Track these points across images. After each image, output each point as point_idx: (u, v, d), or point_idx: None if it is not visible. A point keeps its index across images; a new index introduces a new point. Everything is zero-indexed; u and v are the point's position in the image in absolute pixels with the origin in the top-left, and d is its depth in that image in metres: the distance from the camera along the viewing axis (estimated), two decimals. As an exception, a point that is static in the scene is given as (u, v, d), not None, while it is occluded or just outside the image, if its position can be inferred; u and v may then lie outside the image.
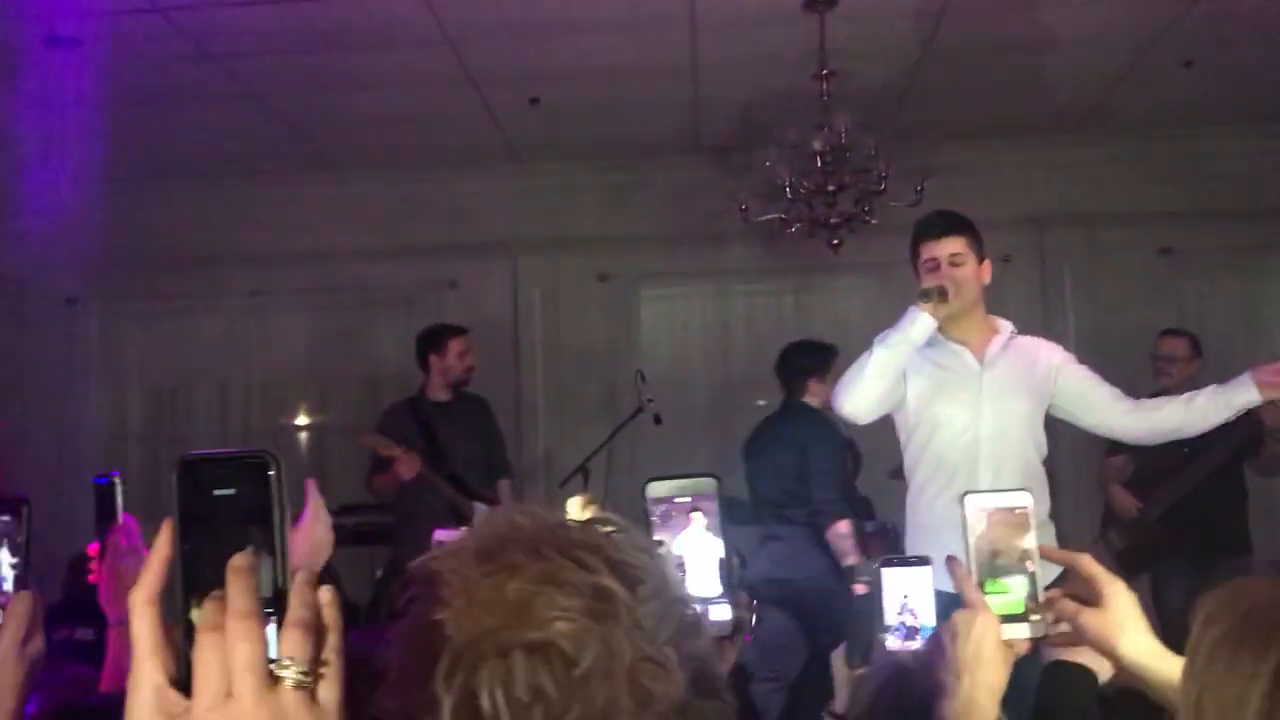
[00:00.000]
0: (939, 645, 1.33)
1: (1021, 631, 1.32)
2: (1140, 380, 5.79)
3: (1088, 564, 1.34)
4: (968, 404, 3.33)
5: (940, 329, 3.31)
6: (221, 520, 0.73)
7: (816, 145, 4.68)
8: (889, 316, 6.11)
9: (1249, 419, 4.56)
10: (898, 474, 4.00)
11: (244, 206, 6.75)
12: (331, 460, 7.02)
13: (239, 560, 0.70)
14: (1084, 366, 3.46)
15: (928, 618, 1.88)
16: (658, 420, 5.65)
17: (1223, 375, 5.59)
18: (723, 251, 6.54)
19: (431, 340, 5.20)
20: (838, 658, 4.67)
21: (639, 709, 0.80)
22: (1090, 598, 1.31)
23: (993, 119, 6.20)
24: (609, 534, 0.89)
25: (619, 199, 6.77)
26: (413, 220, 6.73)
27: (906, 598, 1.90)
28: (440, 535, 1.74)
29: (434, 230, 6.72)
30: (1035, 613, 1.32)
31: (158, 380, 7.09)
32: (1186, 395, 3.40)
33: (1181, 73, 5.64)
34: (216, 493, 0.73)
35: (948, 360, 3.38)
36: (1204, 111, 6.19)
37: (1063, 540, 4.32)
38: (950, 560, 1.36)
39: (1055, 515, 3.64)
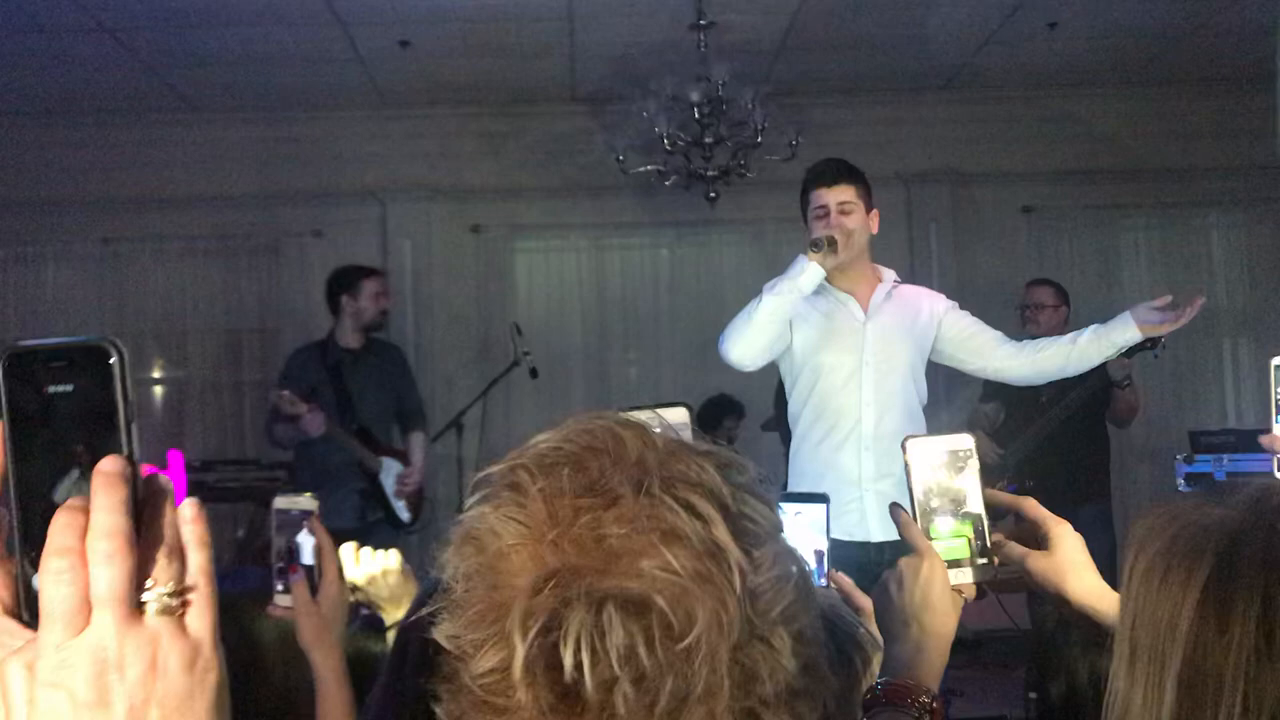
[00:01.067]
0: (885, 592, 1.31)
1: (967, 576, 1.30)
2: (1005, 333, 5.97)
3: (1032, 507, 1.32)
4: (852, 352, 3.38)
5: (827, 278, 3.34)
6: (59, 422, 0.61)
7: (694, 97, 4.66)
8: (762, 270, 6.17)
9: (1097, 370, 4.76)
10: (769, 426, 4.06)
11: (97, 148, 6.41)
12: (191, 415, 6.78)
13: (109, 465, 0.59)
14: (966, 312, 3.54)
15: (807, 560, 1.89)
16: (534, 374, 5.60)
17: (1083, 328, 5.81)
18: (599, 203, 6.49)
19: (344, 280, 4.93)
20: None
21: (740, 693, 0.69)
22: (1036, 541, 1.29)
23: (864, 76, 6.27)
24: (730, 473, 0.75)
25: (493, 148, 6.64)
26: (276, 166, 6.48)
27: (793, 534, 1.89)
28: (280, 503, 1.65)
29: (299, 176, 6.49)
30: (981, 556, 1.30)
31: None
32: (1070, 335, 3.52)
33: (1045, 33, 5.78)
34: (51, 390, 0.62)
35: (833, 309, 3.42)
36: (1066, 72, 6.36)
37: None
38: (893, 507, 1.34)
39: None
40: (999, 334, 3.53)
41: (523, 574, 0.70)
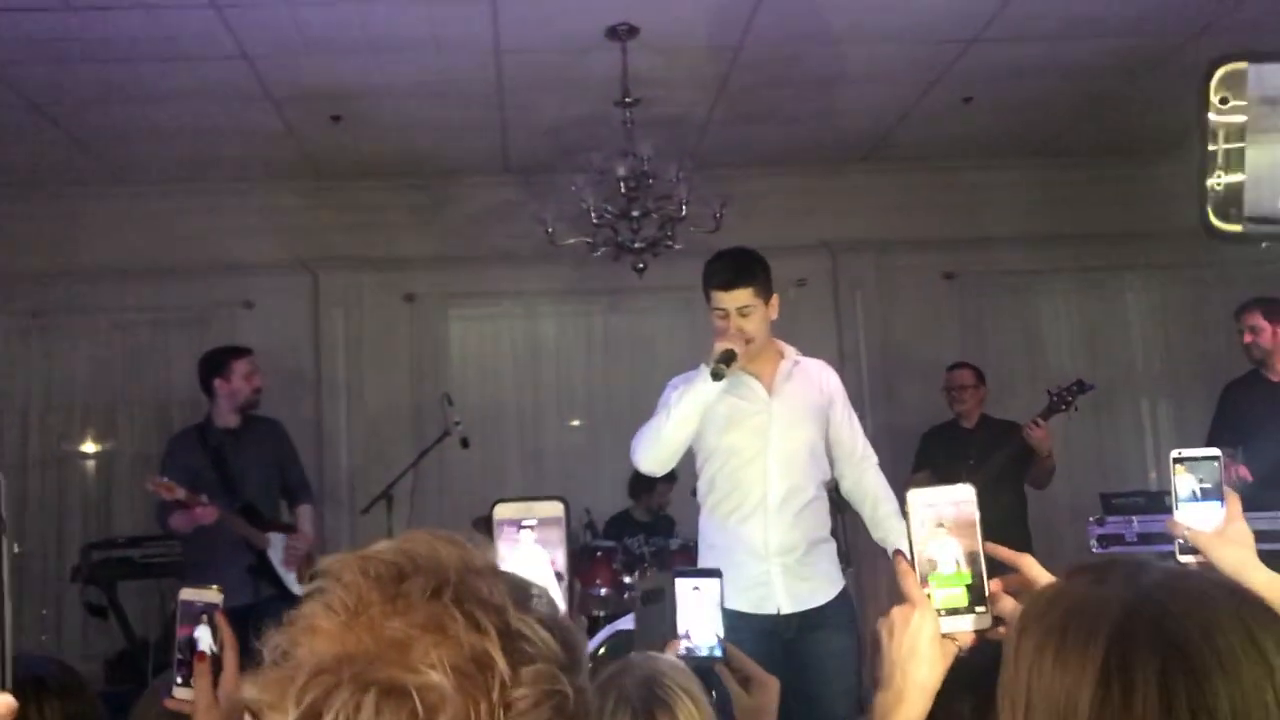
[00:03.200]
0: (875, 640, 1.34)
1: (965, 624, 1.33)
2: (924, 397, 6.11)
3: (1029, 565, 1.36)
4: (759, 431, 3.47)
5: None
6: None
7: (620, 171, 4.76)
8: (693, 336, 6.26)
9: (1018, 437, 5.05)
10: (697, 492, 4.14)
11: (26, 221, 6.38)
12: (120, 489, 6.68)
13: None
14: (850, 412, 3.62)
15: (707, 635, 1.95)
16: (465, 444, 5.62)
17: (1005, 392, 6.02)
18: (531, 273, 6.56)
19: (214, 364, 4.98)
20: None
21: None
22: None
23: (788, 148, 6.43)
24: (525, 600, 0.85)
25: (425, 218, 6.71)
26: (207, 237, 6.48)
27: (692, 609, 1.96)
28: (186, 595, 1.67)
29: (229, 248, 6.49)
30: (979, 605, 1.33)
31: (-76, 406, 6.61)
32: (896, 515, 3.47)
33: (961, 108, 5.99)
34: None
35: (740, 391, 3.50)
36: (982, 144, 6.59)
37: (849, 553, 4.55)
38: (895, 554, 1.37)
39: (841, 532, 3.85)
40: (865, 452, 3.61)
41: (316, 653, 0.80)
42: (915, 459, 5.55)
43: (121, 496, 6.63)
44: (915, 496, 1.37)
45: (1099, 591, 1.01)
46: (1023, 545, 4.54)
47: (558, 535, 1.27)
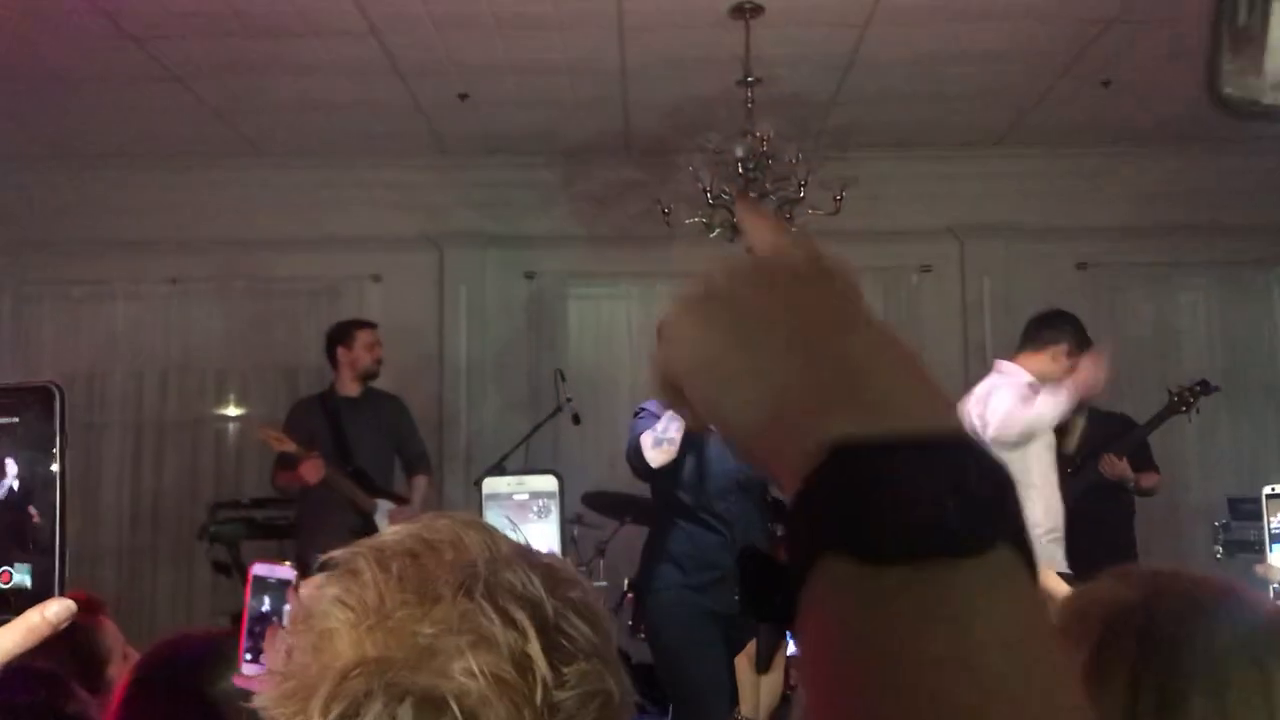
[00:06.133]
0: None
1: None
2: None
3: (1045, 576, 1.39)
4: None
5: None
6: (5, 447, 0.76)
7: (739, 152, 4.71)
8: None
9: (1093, 468, 4.83)
10: None
11: (165, 191, 6.63)
12: (249, 453, 6.92)
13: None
14: None
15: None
16: (576, 420, 5.66)
17: (1136, 388, 5.79)
18: (649, 253, 6.53)
19: (339, 334, 5.27)
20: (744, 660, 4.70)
21: None
22: None
23: (914, 130, 6.28)
24: (559, 587, 0.78)
25: (548, 197, 6.75)
26: (337, 211, 6.65)
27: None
28: (259, 570, 1.67)
29: (359, 222, 6.65)
30: None
31: (71, 365, 6.92)
32: None
33: (1100, 91, 5.76)
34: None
35: None
36: (1120, 130, 6.33)
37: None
38: None
39: None
40: None
41: (339, 657, 0.73)
42: None
43: (250, 460, 6.86)
44: None
45: (1110, 589, 1.06)
46: (1129, 552, 4.47)
47: (552, 509, 1.28)
